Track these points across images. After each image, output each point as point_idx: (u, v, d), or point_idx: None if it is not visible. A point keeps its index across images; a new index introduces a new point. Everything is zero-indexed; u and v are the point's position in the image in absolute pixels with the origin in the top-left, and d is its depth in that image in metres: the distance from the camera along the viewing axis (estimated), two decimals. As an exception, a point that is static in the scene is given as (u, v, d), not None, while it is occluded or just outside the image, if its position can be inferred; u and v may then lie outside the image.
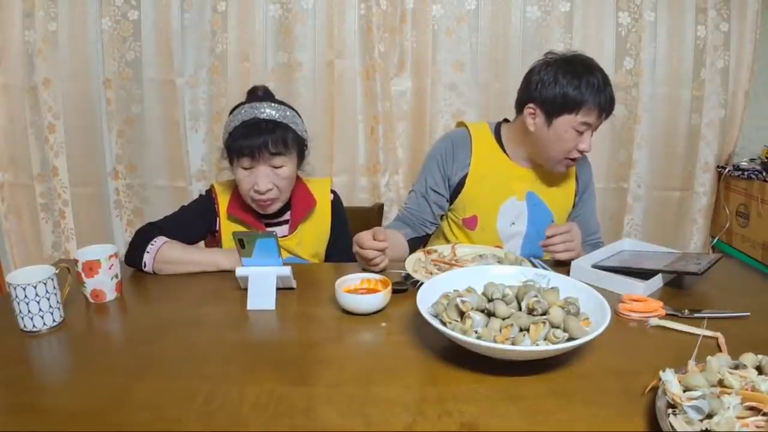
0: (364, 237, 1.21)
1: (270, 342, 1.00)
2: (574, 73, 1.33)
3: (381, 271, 1.22)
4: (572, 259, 1.27)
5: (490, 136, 1.51)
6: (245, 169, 1.29)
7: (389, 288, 1.07)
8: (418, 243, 1.54)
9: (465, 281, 0.99)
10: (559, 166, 1.43)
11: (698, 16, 2.09)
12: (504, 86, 2.13)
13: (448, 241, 1.54)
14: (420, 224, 1.53)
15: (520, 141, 1.47)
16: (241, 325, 1.04)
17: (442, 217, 1.57)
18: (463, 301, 0.89)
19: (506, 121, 1.55)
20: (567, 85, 1.32)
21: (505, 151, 1.49)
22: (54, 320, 1.00)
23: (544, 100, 1.35)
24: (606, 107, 1.34)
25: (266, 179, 1.29)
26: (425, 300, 0.93)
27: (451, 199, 1.52)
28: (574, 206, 1.55)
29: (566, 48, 2.09)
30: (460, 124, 1.58)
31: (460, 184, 1.49)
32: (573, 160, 1.41)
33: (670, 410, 0.68)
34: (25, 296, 0.96)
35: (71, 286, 1.10)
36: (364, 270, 1.23)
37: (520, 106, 1.44)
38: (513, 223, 1.49)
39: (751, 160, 2.18)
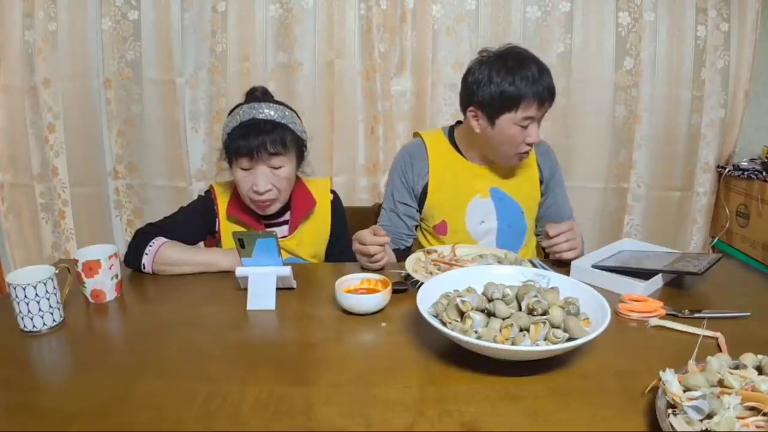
0: (365, 234, 1.22)
1: (270, 342, 1.00)
2: (508, 70, 1.30)
3: (380, 270, 1.22)
4: (575, 258, 1.27)
5: (445, 140, 1.52)
6: (244, 169, 1.29)
7: (389, 288, 1.07)
8: (399, 257, 1.53)
9: (465, 281, 0.99)
10: (512, 160, 1.43)
11: (698, 16, 2.09)
12: (504, 86, 2.13)
13: None
14: (397, 239, 1.53)
15: (472, 141, 1.47)
16: (241, 325, 1.04)
17: (417, 227, 1.58)
18: (463, 301, 0.89)
19: (459, 123, 1.54)
20: (502, 83, 1.29)
21: (461, 153, 1.50)
22: (54, 320, 1.00)
23: (482, 101, 1.33)
24: (545, 97, 1.31)
25: (265, 180, 1.29)
26: (425, 300, 0.93)
27: (419, 209, 1.53)
28: (542, 195, 1.55)
29: (566, 48, 2.09)
30: (416, 134, 1.59)
31: (424, 193, 1.50)
32: (525, 153, 1.40)
33: (670, 410, 0.68)
34: (25, 296, 0.96)
35: (71, 286, 1.10)
36: (363, 269, 1.23)
37: (462, 108, 1.43)
38: (483, 222, 1.48)
39: (751, 160, 2.18)
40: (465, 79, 1.40)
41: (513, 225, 1.50)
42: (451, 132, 1.53)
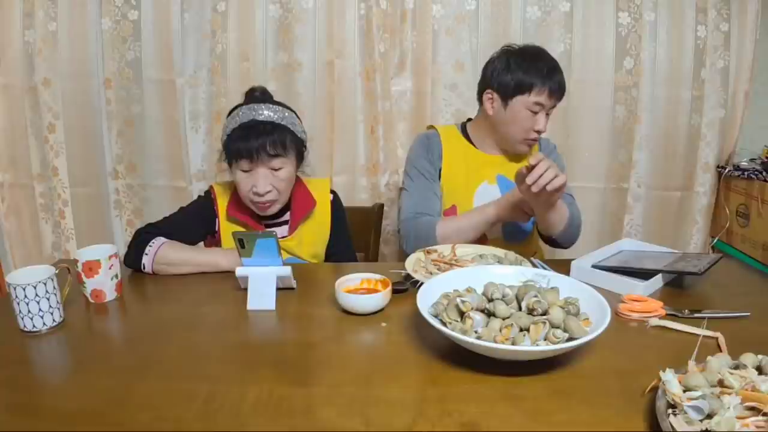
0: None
1: (270, 342, 1.00)
2: (525, 60, 1.44)
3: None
4: (561, 189, 1.24)
5: (457, 132, 1.61)
6: (244, 171, 1.29)
7: (389, 288, 1.07)
8: None
9: (465, 281, 0.99)
10: (521, 146, 1.51)
11: (698, 16, 2.09)
12: (504, 86, 2.13)
13: None
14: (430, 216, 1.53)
15: (484, 130, 1.56)
16: (241, 325, 1.04)
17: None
18: (463, 301, 0.89)
19: (470, 120, 1.65)
20: (517, 70, 1.43)
21: (472, 144, 1.59)
22: (54, 320, 1.00)
23: (499, 86, 1.46)
24: (555, 89, 1.43)
25: (265, 181, 1.29)
26: (425, 300, 0.93)
27: None
28: None
29: (566, 48, 2.09)
30: (430, 127, 1.68)
31: (438, 177, 1.57)
32: (533, 140, 1.50)
33: (670, 410, 0.68)
34: (25, 296, 0.96)
35: (71, 286, 1.10)
36: (367, 267, 1.22)
37: (480, 95, 1.55)
38: None
39: (752, 160, 2.17)
40: (485, 68, 1.53)
41: None
42: (463, 127, 1.63)
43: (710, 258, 1.20)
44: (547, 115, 1.47)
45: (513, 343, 0.84)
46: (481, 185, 1.56)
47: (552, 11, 2.08)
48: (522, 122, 1.45)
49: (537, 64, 1.42)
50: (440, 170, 1.56)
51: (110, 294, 1.12)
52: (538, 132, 1.47)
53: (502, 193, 1.54)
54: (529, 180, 1.21)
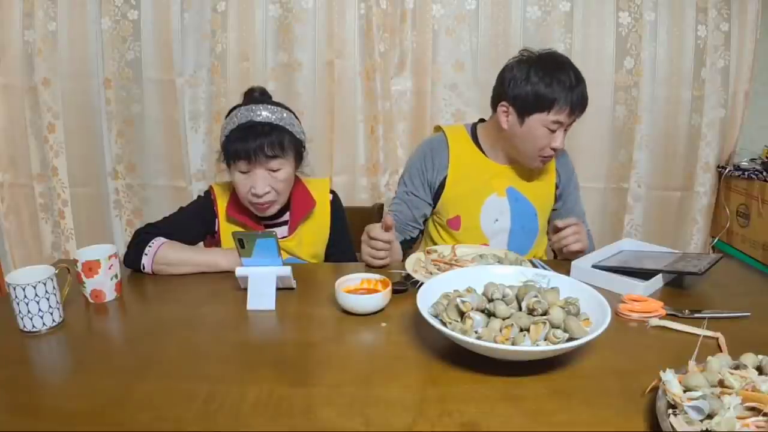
0: (375, 227, 1.23)
1: (270, 342, 1.00)
2: (546, 71, 1.32)
3: (382, 268, 1.22)
4: (581, 252, 1.29)
5: (467, 137, 1.52)
6: (242, 172, 1.29)
7: (389, 288, 1.07)
8: (404, 247, 1.54)
9: (465, 281, 0.99)
10: (534, 162, 1.44)
11: (698, 15, 2.09)
12: (504, 86, 2.12)
13: (434, 244, 1.54)
14: (403, 228, 1.54)
15: (496, 139, 1.48)
16: (241, 325, 1.04)
17: (425, 221, 1.58)
18: (463, 301, 0.89)
19: (482, 120, 1.56)
20: (538, 83, 1.32)
21: (482, 150, 1.51)
22: (54, 320, 1.00)
23: (516, 98, 1.36)
24: (577, 106, 1.34)
25: (264, 183, 1.28)
26: (425, 300, 0.93)
27: (434, 202, 1.53)
28: (556, 199, 1.56)
29: (566, 48, 2.09)
30: (438, 128, 1.60)
31: (441, 187, 1.50)
32: (548, 157, 1.42)
33: (670, 410, 0.68)
34: (25, 296, 0.96)
35: (71, 286, 1.10)
36: (366, 268, 1.23)
37: (494, 103, 1.45)
38: (497, 220, 1.49)
39: (752, 160, 2.17)
40: (501, 75, 1.42)
41: (526, 226, 1.51)
42: (473, 129, 1.54)
43: (710, 258, 1.20)
44: (566, 130, 1.38)
45: (513, 344, 0.84)
46: (489, 197, 1.48)
47: (552, 11, 2.08)
48: (538, 140, 1.36)
49: (559, 76, 1.31)
50: (444, 178, 1.49)
51: (110, 294, 1.12)
52: (554, 149, 1.39)
53: (512, 208, 1.48)
54: (553, 239, 1.35)
